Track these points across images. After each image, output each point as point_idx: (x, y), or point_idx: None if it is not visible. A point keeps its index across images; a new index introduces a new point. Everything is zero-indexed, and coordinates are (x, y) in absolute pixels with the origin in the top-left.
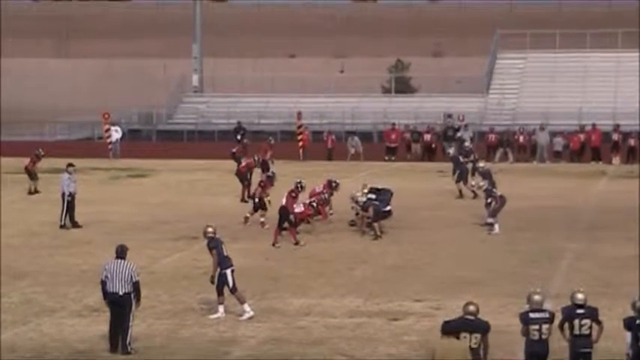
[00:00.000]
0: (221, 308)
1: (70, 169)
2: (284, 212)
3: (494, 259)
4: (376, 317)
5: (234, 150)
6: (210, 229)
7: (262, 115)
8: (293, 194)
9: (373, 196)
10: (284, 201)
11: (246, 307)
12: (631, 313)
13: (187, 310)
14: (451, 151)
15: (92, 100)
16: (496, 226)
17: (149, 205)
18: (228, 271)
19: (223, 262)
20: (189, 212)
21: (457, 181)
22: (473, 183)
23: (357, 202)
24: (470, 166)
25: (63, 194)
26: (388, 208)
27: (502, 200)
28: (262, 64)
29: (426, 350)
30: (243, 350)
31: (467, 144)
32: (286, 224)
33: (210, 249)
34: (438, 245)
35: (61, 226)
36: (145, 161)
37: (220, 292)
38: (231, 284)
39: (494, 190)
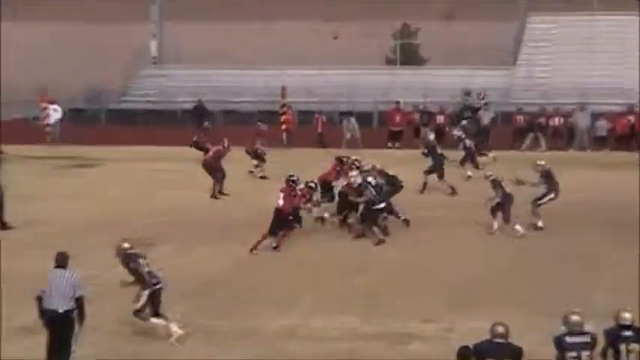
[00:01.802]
0: (173, 327)
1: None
2: (282, 215)
3: (518, 269)
4: (376, 340)
5: (195, 139)
6: (125, 245)
7: (236, 92)
8: (293, 193)
9: (374, 181)
10: (280, 202)
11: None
12: None
13: (145, 329)
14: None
15: (31, 73)
16: (518, 227)
17: (96, 202)
18: (146, 292)
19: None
20: (147, 210)
21: (426, 173)
22: (469, 173)
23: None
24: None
25: None
26: (382, 205)
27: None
28: (236, 29)
29: None
30: None
31: (455, 132)
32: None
33: (127, 265)
34: (452, 251)
35: None
36: (92, 148)
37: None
38: (139, 305)
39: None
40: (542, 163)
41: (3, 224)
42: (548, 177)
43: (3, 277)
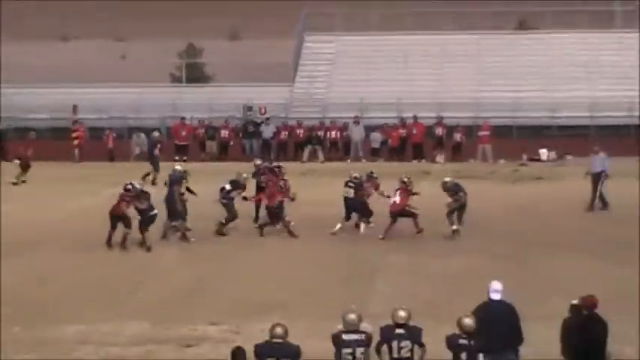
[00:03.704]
0: None
1: None
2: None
3: (302, 277)
4: (166, 344)
5: None
6: None
7: (29, 109)
8: (127, 198)
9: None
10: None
11: None
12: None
13: None
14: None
15: None
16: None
17: None
18: None
19: None
20: None
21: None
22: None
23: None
24: None
25: None
26: (154, 212)
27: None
28: (29, 48)
29: None
30: None
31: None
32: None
33: None
34: (239, 261)
35: None
36: None
37: None
38: None
39: None
40: (448, 179)
41: None
42: (457, 189)
43: None
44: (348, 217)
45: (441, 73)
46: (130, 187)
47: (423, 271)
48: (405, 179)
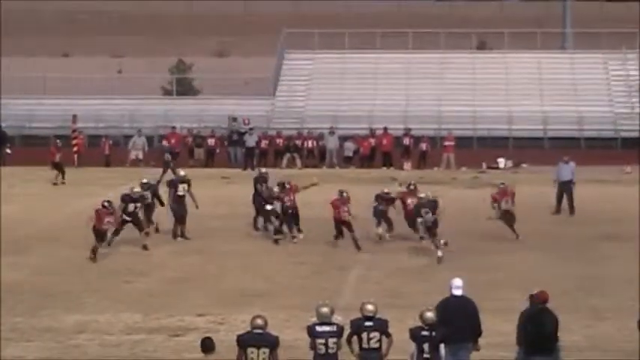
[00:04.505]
0: None
1: None
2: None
3: (280, 271)
4: (156, 333)
5: None
6: None
7: (34, 119)
8: (107, 211)
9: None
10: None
11: None
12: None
13: None
14: None
15: None
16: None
17: None
18: None
19: None
20: None
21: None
22: None
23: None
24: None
25: None
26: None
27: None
28: (34, 63)
29: None
30: None
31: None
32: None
33: None
34: (224, 257)
35: None
36: None
37: None
38: None
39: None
40: (423, 195)
41: None
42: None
43: None
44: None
45: (407, 89)
46: (106, 203)
47: (389, 266)
48: (413, 185)
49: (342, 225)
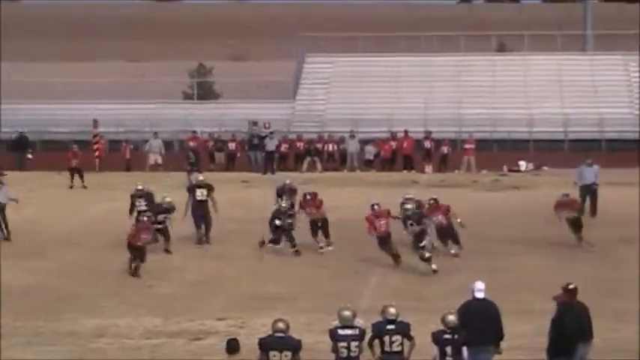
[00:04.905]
0: None
1: (3, 178)
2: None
3: (300, 275)
4: (176, 337)
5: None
6: None
7: (55, 124)
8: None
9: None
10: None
11: None
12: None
13: None
14: None
15: None
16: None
17: None
18: None
19: None
20: None
21: None
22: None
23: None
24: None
25: None
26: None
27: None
28: (55, 68)
29: None
30: None
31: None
32: None
33: None
34: (243, 261)
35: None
36: None
37: None
38: None
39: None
40: (410, 206)
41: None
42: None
43: None
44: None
45: (427, 92)
46: (146, 218)
47: (409, 269)
48: (433, 201)
49: (383, 238)
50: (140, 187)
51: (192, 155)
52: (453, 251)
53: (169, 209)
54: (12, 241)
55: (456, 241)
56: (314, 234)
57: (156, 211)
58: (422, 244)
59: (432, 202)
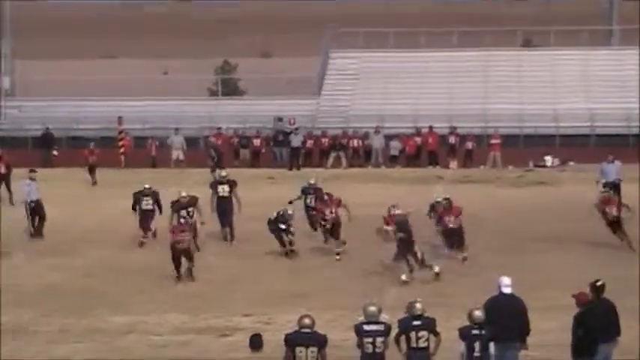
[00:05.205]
0: None
1: (33, 174)
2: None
3: (326, 272)
4: (204, 334)
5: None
6: None
7: (80, 120)
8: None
9: None
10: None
11: None
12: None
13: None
14: None
15: None
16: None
17: None
18: None
19: None
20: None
21: None
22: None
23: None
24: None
25: (26, 202)
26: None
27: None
28: (80, 65)
29: None
30: None
31: None
32: None
33: None
34: (268, 258)
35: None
36: None
37: None
38: None
39: None
40: (399, 211)
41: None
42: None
43: None
44: None
45: (452, 87)
46: (182, 220)
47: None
48: (446, 201)
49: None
50: (147, 186)
51: (214, 152)
52: (460, 256)
53: (190, 203)
54: (39, 239)
55: (462, 244)
56: (327, 238)
57: (177, 208)
58: (419, 256)
59: (445, 202)
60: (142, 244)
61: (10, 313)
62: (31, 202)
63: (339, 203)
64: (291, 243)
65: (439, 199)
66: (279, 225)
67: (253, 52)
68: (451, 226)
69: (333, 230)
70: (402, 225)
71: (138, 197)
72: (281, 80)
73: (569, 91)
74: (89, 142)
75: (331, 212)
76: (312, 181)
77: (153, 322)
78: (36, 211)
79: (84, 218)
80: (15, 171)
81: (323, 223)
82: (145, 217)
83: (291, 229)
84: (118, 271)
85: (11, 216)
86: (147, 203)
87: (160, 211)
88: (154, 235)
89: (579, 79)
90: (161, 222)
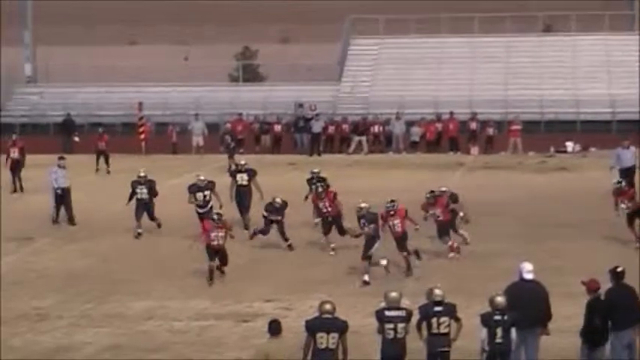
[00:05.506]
0: None
1: (62, 162)
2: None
3: (346, 259)
4: (225, 319)
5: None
6: None
7: (101, 107)
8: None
9: None
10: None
11: None
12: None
13: (20, 317)
14: None
15: None
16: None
17: None
18: None
19: None
20: (20, 212)
21: None
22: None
23: None
24: None
25: (53, 189)
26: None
27: None
28: (101, 52)
29: (256, 351)
30: (81, 359)
31: None
32: None
33: None
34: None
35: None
36: None
37: None
38: None
39: None
40: (364, 205)
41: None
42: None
43: None
44: None
45: (473, 73)
46: (215, 216)
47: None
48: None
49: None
50: (142, 174)
51: (230, 139)
52: (459, 242)
53: (207, 187)
54: (72, 226)
55: (454, 232)
56: (326, 232)
57: (194, 190)
58: (369, 252)
59: (429, 196)
60: (138, 236)
61: (33, 298)
62: (58, 188)
63: (334, 197)
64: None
65: (444, 189)
66: (265, 214)
67: (273, 39)
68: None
69: (335, 224)
70: (369, 218)
71: (134, 186)
72: (301, 66)
73: (590, 77)
74: (99, 127)
75: (325, 207)
76: (315, 170)
77: (174, 307)
78: (62, 198)
79: (105, 204)
80: (37, 157)
81: (324, 215)
82: (140, 207)
83: (280, 219)
84: (138, 257)
85: (36, 202)
86: (141, 192)
87: (152, 198)
88: (159, 225)
89: (600, 65)
90: (171, 209)
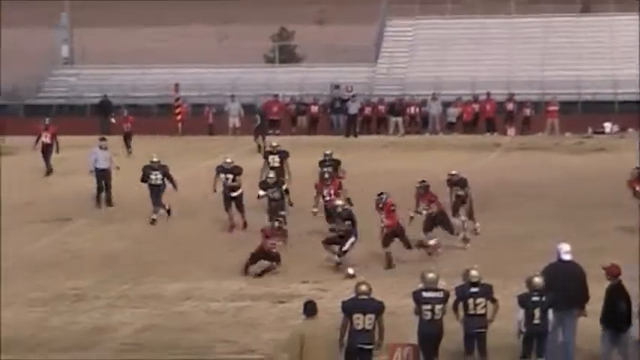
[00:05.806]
0: None
1: (103, 143)
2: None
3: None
4: (261, 300)
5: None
6: None
7: (137, 88)
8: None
9: None
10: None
11: None
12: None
13: (58, 297)
14: None
15: None
16: None
17: (15, 185)
18: None
19: None
20: (59, 193)
21: None
22: None
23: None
24: None
25: (95, 170)
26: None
27: None
28: (137, 33)
29: (292, 332)
30: (118, 339)
31: None
32: None
33: None
34: (324, 226)
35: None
36: (12, 138)
37: None
38: None
39: None
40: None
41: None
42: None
43: None
44: None
45: (510, 54)
46: (277, 223)
47: (486, 234)
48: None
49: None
50: (155, 160)
51: (259, 118)
52: (462, 234)
53: (232, 170)
54: (109, 207)
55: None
56: (330, 221)
57: (219, 171)
58: (344, 249)
59: (419, 186)
60: (153, 222)
61: (70, 278)
62: (97, 169)
63: (339, 186)
64: (276, 217)
65: (454, 172)
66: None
67: (310, 20)
68: (426, 212)
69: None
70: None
71: (147, 171)
72: (338, 48)
73: (628, 57)
74: (124, 109)
75: (329, 195)
76: (327, 152)
77: (209, 288)
78: (103, 178)
79: (140, 186)
80: (74, 139)
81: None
82: (154, 192)
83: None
84: (173, 239)
85: (72, 183)
86: (156, 178)
87: (174, 186)
88: (169, 212)
89: (638, 45)
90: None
